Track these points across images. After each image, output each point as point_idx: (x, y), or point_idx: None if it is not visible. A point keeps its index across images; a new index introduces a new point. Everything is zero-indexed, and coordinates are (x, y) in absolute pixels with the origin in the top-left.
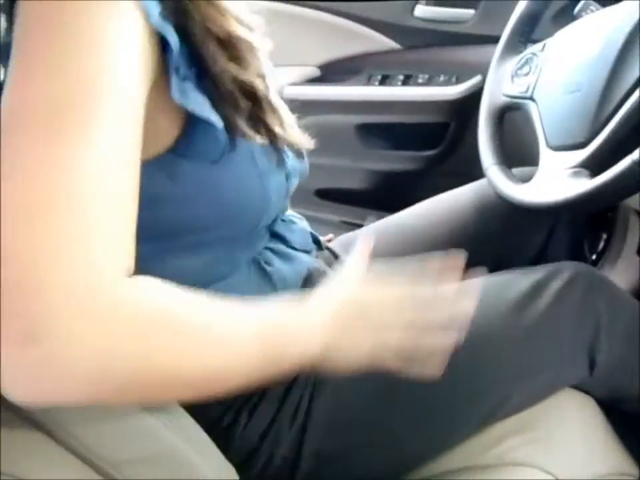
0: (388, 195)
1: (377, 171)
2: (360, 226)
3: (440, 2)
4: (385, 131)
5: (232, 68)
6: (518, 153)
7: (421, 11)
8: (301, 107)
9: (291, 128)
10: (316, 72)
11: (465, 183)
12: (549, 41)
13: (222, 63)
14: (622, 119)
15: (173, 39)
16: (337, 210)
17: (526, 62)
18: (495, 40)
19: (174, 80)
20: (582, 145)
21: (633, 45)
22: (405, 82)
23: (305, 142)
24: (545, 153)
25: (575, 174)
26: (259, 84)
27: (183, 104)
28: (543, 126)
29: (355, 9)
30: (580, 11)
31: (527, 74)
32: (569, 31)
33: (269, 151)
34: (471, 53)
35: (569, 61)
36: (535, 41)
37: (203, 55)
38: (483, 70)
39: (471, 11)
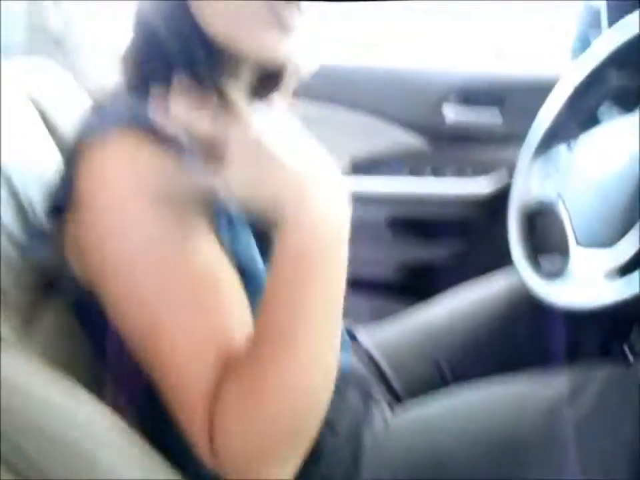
0: (417, 287)
1: (406, 263)
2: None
3: (467, 102)
4: (414, 224)
5: None
6: (546, 239)
7: (449, 110)
8: None
9: None
10: (347, 167)
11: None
12: (575, 144)
13: None
14: None
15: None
16: (366, 301)
17: (552, 163)
18: (520, 138)
19: (223, 231)
20: (613, 244)
21: None
22: (433, 177)
23: None
24: (574, 250)
25: (608, 275)
26: None
27: (231, 248)
28: (572, 224)
29: (385, 106)
30: (602, 114)
31: (554, 174)
32: (595, 135)
33: None
34: (497, 150)
35: (597, 166)
36: (560, 142)
37: None
38: (509, 166)
39: (497, 111)
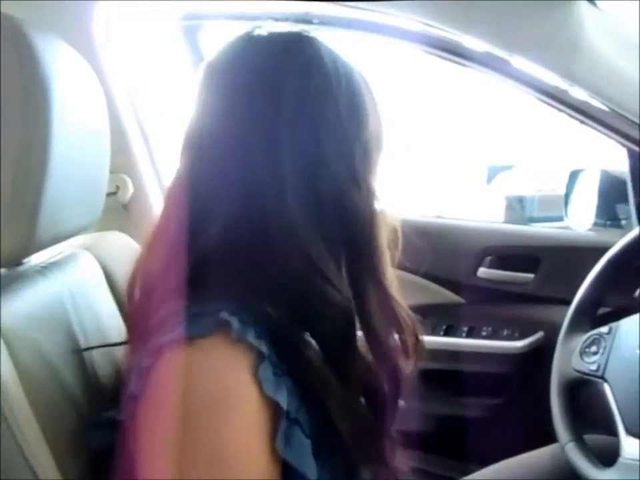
0: (451, 441)
1: (441, 416)
2: (425, 472)
3: (501, 266)
4: (449, 378)
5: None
6: (591, 418)
7: (484, 272)
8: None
9: None
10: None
11: (529, 433)
12: (615, 326)
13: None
14: None
15: (283, 399)
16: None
17: (593, 342)
18: (555, 301)
19: (281, 430)
20: None
21: None
22: (469, 334)
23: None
24: (625, 439)
25: None
26: None
27: (285, 455)
28: (619, 410)
29: (421, 266)
30: None
31: (595, 353)
32: (636, 320)
33: None
34: (532, 311)
35: (638, 350)
36: (602, 323)
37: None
38: (544, 328)
39: (531, 275)
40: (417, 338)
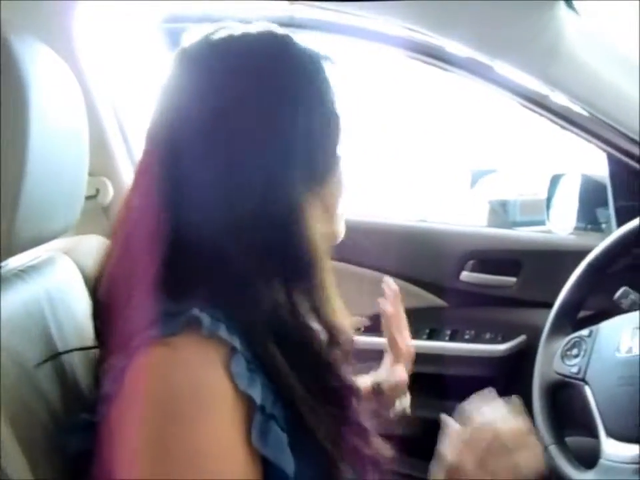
0: (434, 444)
1: (424, 419)
2: (409, 476)
3: (483, 270)
4: (432, 381)
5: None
6: (572, 421)
7: (466, 276)
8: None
9: None
10: (366, 322)
11: None
12: (596, 329)
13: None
14: None
15: (257, 393)
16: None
17: (574, 344)
18: (537, 304)
19: (255, 424)
20: None
21: None
22: (452, 337)
23: None
24: (605, 441)
25: None
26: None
27: (261, 450)
28: (600, 413)
29: (405, 269)
30: (620, 297)
31: (576, 356)
32: (616, 322)
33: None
34: (515, 314)
35: (618, 354)
36: (582, 327)
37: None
38: (527, 331)
39: (513, 279)
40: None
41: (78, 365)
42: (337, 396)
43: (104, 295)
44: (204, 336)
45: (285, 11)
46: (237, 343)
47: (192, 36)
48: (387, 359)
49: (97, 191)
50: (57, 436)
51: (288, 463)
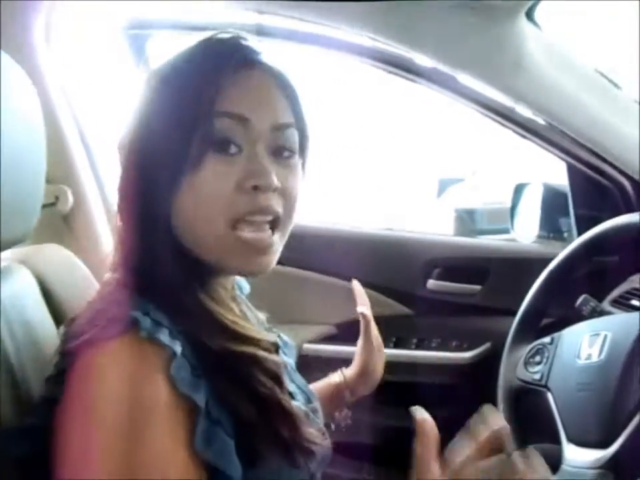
0: (401, 452)
1: (390, 428)
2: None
3: (449, 278)
4: (398, 390)
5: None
6: (535, 427)
7: (433, 284)
8: (317, 364)
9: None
10: (333, 330)
11: None
12: (557, 336)
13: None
14: (639, 424)
15: (200, 398)
16: (349, 466)
17: (537, 352)
18: (502, 312)
19: (199, 429)
20: (603, 445)
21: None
22: (419, 345)
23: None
24: (567, 447)
25: (600, 476)
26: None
27: (205, 456)
28: (562, 419)
29: (371, 278)
30: (581, 305)
31: (538, 363)
32: (576, 330)
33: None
34: (480, 322)
35: (578, 360)
36: (544, 335)
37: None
38: (492, 338)
39: (478, 287)
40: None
41: (32, 377)
42: (277, 404)
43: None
44: (143, 339)
45: (251, 19)
46: (178, 348)
47: (161, 53)
48: (359, 362)
49: (56, 198)
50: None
51: (234, 469)
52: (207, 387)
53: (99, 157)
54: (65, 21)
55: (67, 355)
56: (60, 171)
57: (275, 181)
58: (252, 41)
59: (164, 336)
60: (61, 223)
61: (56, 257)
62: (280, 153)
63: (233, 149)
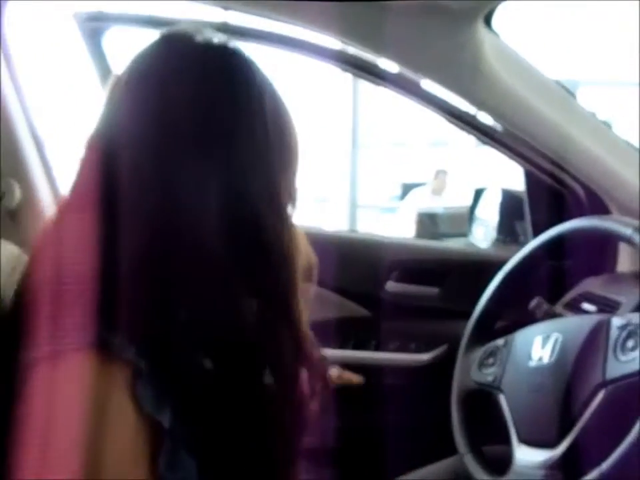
0: (358, 455)
1: (348, 430)
2: None
3: (408, 280)
4: (357, 391)
5: None
6: (489, 429)
7: (391, 286)
8: None
9: None
10: None
11: (436, 446)
12: (511, 338)
13: None
14: (586, 423)
15: (165, 418)
16: (310, 470)
17: (490, 354)
18: (459, 314)
19: (164, 453)
20: (552, 444)
21: (589, 353)
22: (377, 347)
23: None
24: (517, 447)
25: (549, 475)
26: None
27: (168, 478)
28: (513, 419)
29: (330, 279)
30: (534, 307)
31: (492, 365)
32: (528, 332)
33: None
34: (438, 324)
35: (530, 362)
36: (498, 336)
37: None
38: (449, 340)
39: (436, 289)
40: (325, 381)
41: None
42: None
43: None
44: (108, 355)
45: (217, 16)
46: (144, 365)
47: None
48: None
49: (3, 193)
50: None
51: None
52: (172, 405)
53: (51, 151)
54: (16, 9)
55: (25, 367)
56: (7, 163)
57: None
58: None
59: (130, 353)
60: (6, 218)
61: (1, 253)
62: None
63: None
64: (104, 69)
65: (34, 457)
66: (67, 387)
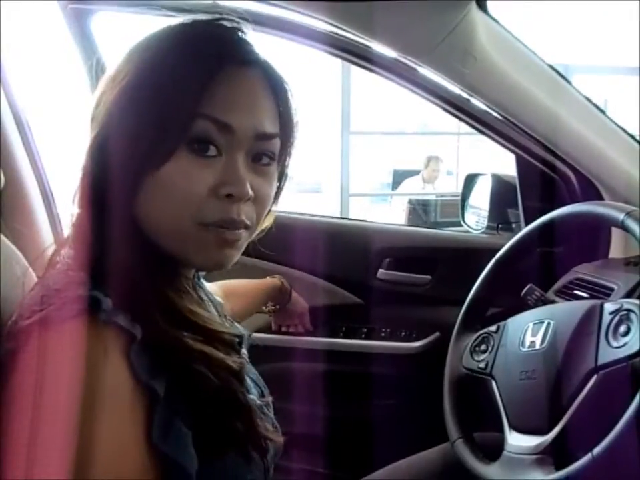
0: (349, 442)
1: (339, 418)
2: (322, 474)
3: (399, 267)
4: (347, 379)
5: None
6: (480, 416)
7: (383, 274)
8: (266, 354)
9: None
10: None
11: (428, 432)
12: (503, 325)
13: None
14: (577, 409)
15: (160, 386)
16: (302, 457)
17: (482, 340)
18: (451, 302)
19: (157, 419)
20: (543, 431)
21: (580, 339)
22: (368, 335)
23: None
24: (509, 433)
25: (540, 461)
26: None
27: (161, 447)
28: (504, 406)
29: (321, 267)
30: (526, 295)
31: (484, 351)
32: (521, 318)
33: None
34: (428, 312)
35: (522, 348)
36: (490, 323)
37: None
38: (441, 328)
39: (428, 277)
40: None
41: None
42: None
43: None
44: (101, 321)
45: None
46: (138, 332)
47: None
48: None
49: None
50: None
51: (190, 461)
52: (166, 375)
53: (35, 136)
54: None
55: (16, 334)
56: None
57: (250, 192)
58: (247, 32)
59: (122, 319)
60: None
61: None
62: (259, 158)
63: (212, 152)
64: (90, 55)
65: (25, 429)
66: (59, 355)
